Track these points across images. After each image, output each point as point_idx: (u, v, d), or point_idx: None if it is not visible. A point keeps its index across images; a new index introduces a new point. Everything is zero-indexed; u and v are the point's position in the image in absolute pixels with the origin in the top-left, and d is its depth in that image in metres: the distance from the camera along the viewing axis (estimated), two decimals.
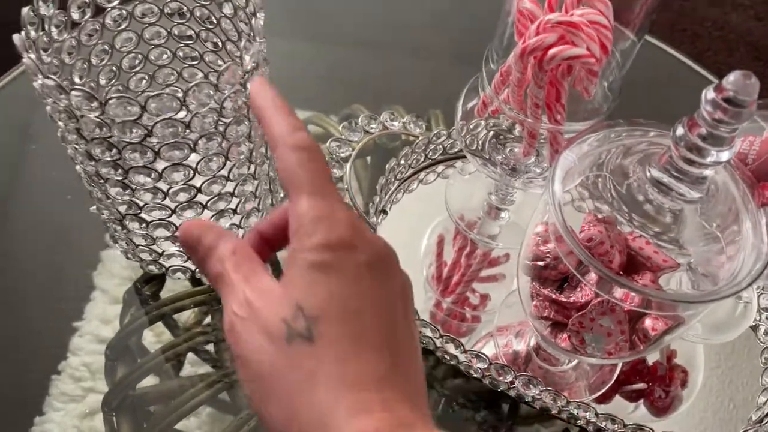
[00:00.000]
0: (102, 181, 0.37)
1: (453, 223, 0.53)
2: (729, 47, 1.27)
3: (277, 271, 0.47)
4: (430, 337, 0.44)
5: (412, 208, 0.54)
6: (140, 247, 0.44)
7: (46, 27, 0.35)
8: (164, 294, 0.49)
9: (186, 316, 0.48)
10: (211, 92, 0.33)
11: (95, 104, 0.31)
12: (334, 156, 0.52)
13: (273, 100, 0.28)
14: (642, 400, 0.47)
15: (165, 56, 0.43)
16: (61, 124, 0.34)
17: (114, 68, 0.42)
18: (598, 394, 0.47)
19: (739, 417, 0.46)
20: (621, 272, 0.35)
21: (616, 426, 0.42)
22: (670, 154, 0.31)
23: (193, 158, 0.36)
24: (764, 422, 0.44)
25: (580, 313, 0.37)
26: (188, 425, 0.44)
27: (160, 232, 0.41)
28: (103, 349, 0.47)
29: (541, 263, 0.38)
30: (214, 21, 0.41)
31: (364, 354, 0.24)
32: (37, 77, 0.31)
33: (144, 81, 0.44)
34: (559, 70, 0.37)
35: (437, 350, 0.45)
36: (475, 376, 0.44)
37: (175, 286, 0.49)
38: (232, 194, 0.40)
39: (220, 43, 0.42)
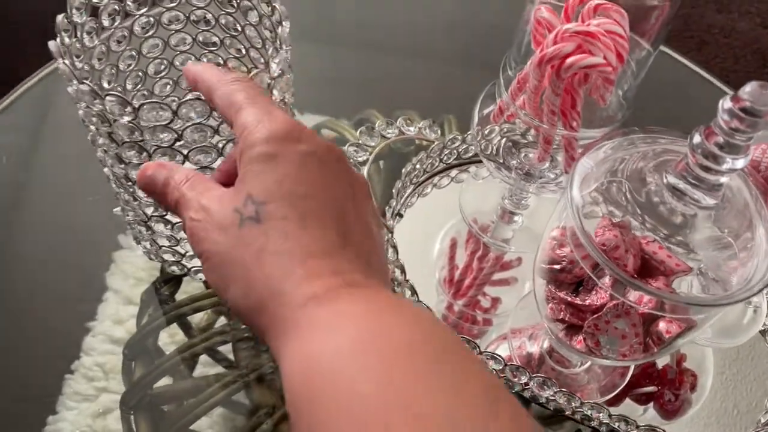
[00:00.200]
0: (130, 183, 0.38)
1: (465, 227, 0.54)
2: (735, 54, 1.28)
3: None
4: None
5: (426, 211, 0.55)
6: (164, 248, 0.44)
7: (78, 34, 0.36)
8: (178, 296, 0.50)
9: (199, 318, 0.49)
10: None
11: (128, 109, 0.32)
12: (352, 160, 0.53)
13: (204, 70, 0.31)
14: (651, 404, 0.48)
15: (189, 62, 0.44)
16: (92, 127, 0.35)
17: (140, 73, 0.43)
18: (609, 396, 0.47)
19: (746, 420, 0.47)
20: (635, 276, 0.36)
21: (629, 427, 0.43)
22: (687, 161, 0.32)
23: (220, 162, 0.37)
24: None
25: (596, 315, 0.38)
26: (200, 425, 0.45)
27: (185, 234, 0.42)
28: (115, 349, 0.47)
29: (557, 267, 0.39)
30: (239, 28, 0.42)
31: (311, 230, 0.26)
32: (72, 83, 0.32)
33: (168, 86, 0.45)
34: (575, 78, 0.38)
35: None
36: None
37: (187, 288, 0.50)
38: None
39: (243, 50, 0.43)
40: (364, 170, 0.53)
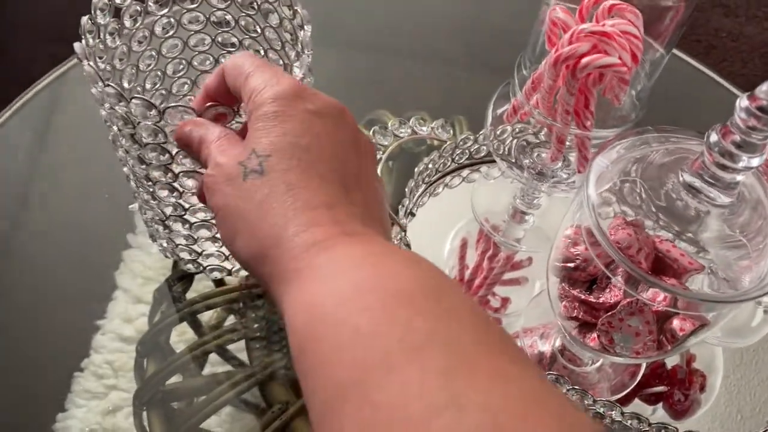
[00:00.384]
0: (150, 183, 0.38)
1: (476, 227, 0.54)
2: (743, 58, 1.28)
3: None
4: None
5: (437, 211, 0.55)
6: (180, 246, 0.45)
7: (101, 35, 0.37)
8: (189, 294, 0.50)
9: (209, 316, 0.49)
10: None
11: (153, 112, 0.32)
12: None
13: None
14: (661, 403, 0.48)
15: (208, 62, 0.45)
16: (115, 128, 0.36)
17: (159, 73, 0.44)
18: (620, 395, 0.48)
19: (750, 425, 0.47)
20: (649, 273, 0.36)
21: (641, 425, 0.43)
22: (703, 160, 0.32)
23: None
24: None
25: (610, 313, 0.38)
26: (209, 423, 0.45)
27: (203, 233, 0.42)
28: (125, 347, 0.48)
29: (571, 265, 0.39)
30: (258, 30, 0.42)
31: (313, 182, 0.27)
32: (97, 84, 0.33)
33: (186, 86, 0.46)
34: (590, 78, 0.39)
35: None
36: None
37: (197, 286, 0.50)
38: None
39: (262, 51, 0.43)
40: (378, 169, 0.53)
